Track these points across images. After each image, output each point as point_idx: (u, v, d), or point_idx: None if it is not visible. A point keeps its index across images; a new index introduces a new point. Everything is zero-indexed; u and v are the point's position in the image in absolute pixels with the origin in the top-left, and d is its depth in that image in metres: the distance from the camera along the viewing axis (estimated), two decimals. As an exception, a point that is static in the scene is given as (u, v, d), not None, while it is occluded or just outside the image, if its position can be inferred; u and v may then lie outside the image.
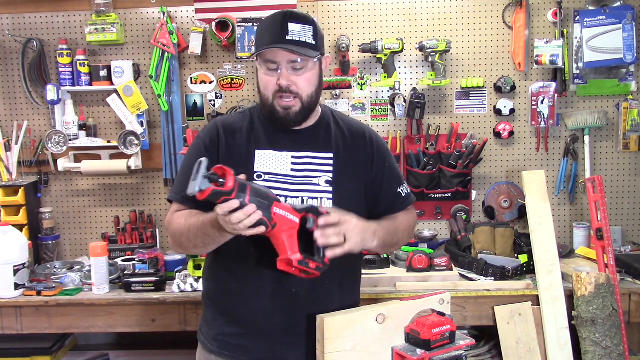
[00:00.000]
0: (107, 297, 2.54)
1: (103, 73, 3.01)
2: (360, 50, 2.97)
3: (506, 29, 3.04)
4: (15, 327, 2.57)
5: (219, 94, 3.11)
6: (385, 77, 2.99)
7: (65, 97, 3.04)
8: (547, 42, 2.91)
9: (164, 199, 3.12)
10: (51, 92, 2.96)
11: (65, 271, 2.75)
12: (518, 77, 3.06)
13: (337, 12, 3.05)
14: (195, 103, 3.12)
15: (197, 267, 2.57)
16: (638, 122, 2.95)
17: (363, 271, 2.56)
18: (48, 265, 2.89)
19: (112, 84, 3.01)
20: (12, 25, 3.08)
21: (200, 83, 3.10)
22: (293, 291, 1.61)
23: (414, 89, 3.03)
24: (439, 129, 3.06)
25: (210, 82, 3.10)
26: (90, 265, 2.62)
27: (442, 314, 1.57)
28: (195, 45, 2.99)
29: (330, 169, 1.66)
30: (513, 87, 3.03)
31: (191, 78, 3.10)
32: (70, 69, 3.01)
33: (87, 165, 3.01)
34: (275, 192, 1.58)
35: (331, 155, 1.68)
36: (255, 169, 1.64)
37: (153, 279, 2.57)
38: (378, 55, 2.96)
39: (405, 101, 2.99)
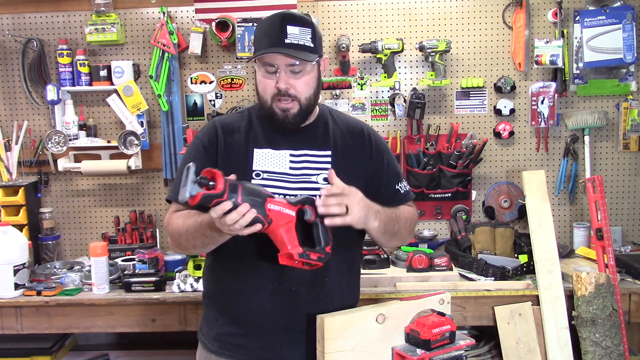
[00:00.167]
0: (107, 297, 2.54)
1: (103, 73, 3.01)
2: (360, 50, 2.97)
3: (506, 29, 3.04)
4: (15, 327, 2.57)
5: (219, 94, 3.11)
6: (385, 77, 2.99)
7: (65, 97, 3.04)
8: (547, 42, 2.91)
9: (164, 199, 3.11)
10: (51, 92, 2.96)
11: (65, 271, 2.75)
12: (518, 77, 3.06)
13: (337, 12, 3.05)
14: (195, 103, 3.12)
15: (197, 267, 2.58)
16: (638, 122, 2.95)
17: (363, 271, 2.59)
18: (48, 265, 2.89)
19: (112, 84, 3.01)
20: (12, 25, 3.08)
21: (200, 83, 3.10)
22: (293, 289, 1.62)
23: (414, 89, 3.03)
24: (439, 129, 3.06)
25: (210, 82, 3.10)
26: (90, 265, 2.62)
27: (442, 314, 1.57)
28: (195, 45, 2.99)
29: (329, 166, 1.66)
30: (513, 87, 3.03)
31: (191, 78, 3.10)
32: (70, 69, 3.01)
33: (87, 165, 3.01)
34: (273, 190, 1.59)
35: (329, 153, 1.69)
36: (254, 168, 1.65)
37: (153, 279, 2.57)
38: (378, 55, 2.96)
39: (405, 101, 2.99)
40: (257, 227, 1.39)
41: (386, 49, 2.93)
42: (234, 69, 3.09)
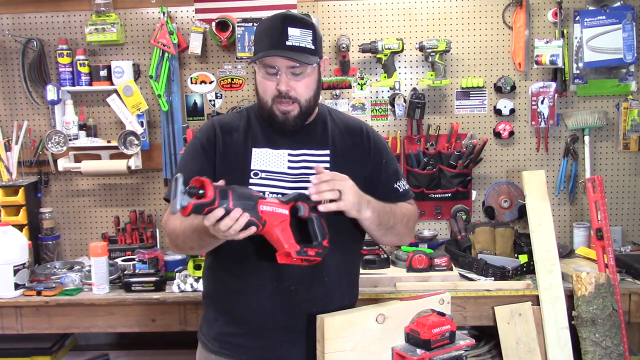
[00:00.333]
0: (107, 297, 2.54)
1: (103, 73, 3.01)
2: (360, 50, 2.97)
3: (506, 29, 3.04)
4: (15, 327, 2.57)
5: (219, 94, 3.11)
6: (385, 77, 2.99)
7: (65, 97, 3.04)
8: (547, 42, 2.91)
9: (163, 199, 3.11)
10: (51, 92, 2.96)
11: (65, 271, 2.75)
12: (518, 77, 3.06)
13: (337, 12, 3.05)
14: (195, 103, 3.12)
15: (197, 267, 2.58)
16: (638, 122, 2.95)
17: (363, 271, 2.60)
18: (48, 265, 2.89)
19: (112, 84, 3.01)
20: (12, 25, 3.08)
21: (200, 83, 3.10)
22: (292, 289, 1.62)
23: (414, 89, 3.03)
24: (439, 129, 3.06)
25: (210, 82, 3.10)
26: (90, 265, 2.62)
27: (442, 314, 1.57)
28: (195, 45, 2.99)
29: (327, 165, 1.66)
30: (513, 87, 3.03)
31: (191, 78, 3.10)
32: (70, 69, 3.01)
33: (87, 165, 3.01)
34: (272, 189, 1.60)
35: (327, 152, 1.69)
36: (252, 167, 1.65)
37: (153, 279, 2.57)
38: (378, 55, 2.96)
39: (405, 101, 2.99)
40: (252, 230, 1.38)
41: (386, 49, 2.93)
42: (234, 69, 3.09)
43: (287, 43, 1.55)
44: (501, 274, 2.57)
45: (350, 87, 3.07)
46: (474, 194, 3.10)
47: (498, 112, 3.05)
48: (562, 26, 2.96)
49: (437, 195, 3.05)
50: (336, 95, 3.07)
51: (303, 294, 1.62)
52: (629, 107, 2.96)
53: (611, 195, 3.07)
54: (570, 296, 2.47)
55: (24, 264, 2.59)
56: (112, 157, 3.07)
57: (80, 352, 3.12)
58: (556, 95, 2.99)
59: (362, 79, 3.07)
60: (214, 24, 2.92)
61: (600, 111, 3.00)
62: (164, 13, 2.97)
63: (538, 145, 3.07)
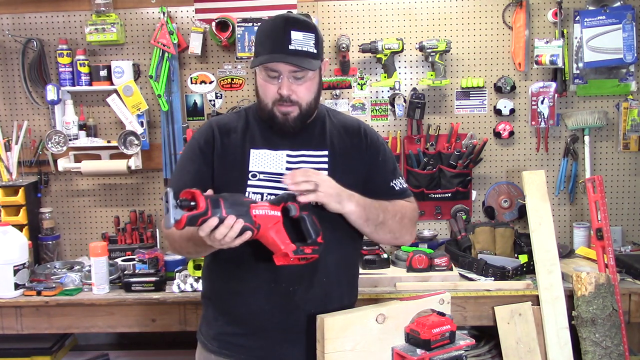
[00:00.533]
0: (107, 297, 2.54)
1: (103, 73, 3.01)
2: (360, 50, 2.97)
3: (506, 29, 3.04)
4: (15, 327, 2.57)
5: (219, 94, 3.11)
6: (385, 77, 2.99)
7: (65, 97, 3.04)
8: (547, 42, 2.91)
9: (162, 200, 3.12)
10: (51, 92, 2.96)
11: (65, 271, 2.75)
12: (518, 77, 3.06)
13: (337, 12, 3.05)
14: (195, 103, 3.12)
15: (197, 267, 2.58)
16: (638, 122, 2.95)
17: (363, 271, 2.60)
18: (48, 265, 2.89)
19: (112, 84, 3.01)
20: (12, 25, 3.08)
21: (200, 83, 3.10)
22: (290, 290, 1.61)
23: (414, 89, 3.03)
24: (439, 129, 3.06)
25: (210, 82, 3.10)
26: (90, 265, 2.61)
27: (442, 314, 1.57)
28: (195, 45, 2.99)
29: (325, 166, 1.66)
30: (513, 87, 3.03)
31: (191, 78, 3.10)
32: (70, 69, 3.01)
33: (87, 165, 3.01)
34: (270, 191, 1.60)
35: (326, 152, 1.68)
36: (250, 169, 1.65)
37: (153, 279, 2.57)
38: (378, 55, 2.96)
39: (405, 101, 2.99)
40: (247, 235, 1.39)
41: (386, 49, 2.93)
42: (234, 69, 3.09)
43: (290, 47, 1.55)
44: (501, 274, 2.57)
45: (350, 87, 3.07)
46: (474, 194, 3.10)
47: (498, 112, 3.05)
48: (562, 26, 2.96)
49: (437, 195, 3.05)
50: (336, 95, 3.07)
51: (302, 294, 1.62)
52: (629, 107, 2.96)
53: (611, 195, 3.07)
54: (570, 296, 2.47)
55: (24, 264, 2.59)
56: (112, 157, 3.07)
57: (80, 352, 3.12)
58: (556, 95, 2.99)
59: (362, 79, 3.07)
60: (214, 24, 2.92)
61: (600, 111, 3.00)
62: (164, 13, 2.97)
63: (538, 145, 3.07)
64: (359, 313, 1.52)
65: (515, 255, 2.78)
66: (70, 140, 2.99)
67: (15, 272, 2.54)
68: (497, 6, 3.02)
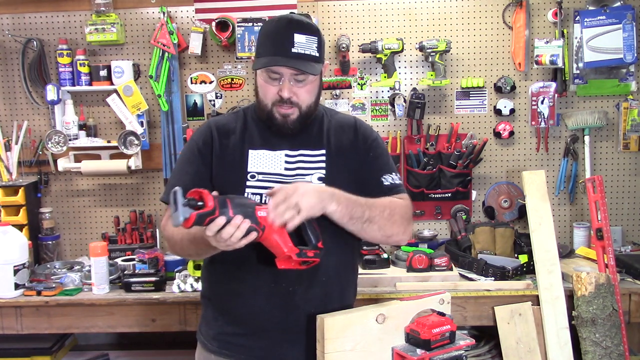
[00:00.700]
0: (107, 297, 2.54)
1: (103, 73, 3.01)
2: (360, 50, 2.97)
3: (506, 29, 3.04)
4: (15, 327, 2.57)
5: (219, 94, 3.11)
6: (385, 77, 2.99)
7: (65, 97, 3.04)
8: (547, 42, 2.91)
9: (160, 201, 3.11)
10: (51, 92, 2.96)
11: (65, 271, 2.75)
12: (518, 77, 3.06)
13: (337, 12, 3.05)
14: (195, 103, 3.12)
15: (197, 267, 2.58)
16: (638, 122, 2.95)
17: (363, 271, 2.60)
18: (48, 265, 2.89)
19: (112, 84, 3.01)
20: (12, 25, 3.08)
21: (200, 83, 3.10)
22: (290, 290, 1.62)
23: (414, 89, 3.03)
24: (439, 129, 3.06)
25: (210, 82, 3.10)
26: (90, 265, 2.62)
27: (442, 314, 1.57)
28: (195, 45, 2.99)
29: (323, 165, 1.66)
30: (513, 87, 3.03)
31: (191, 78, 3.10)
32: (70, 69, 3.01)
33: (87, 165, 3.01)
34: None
35: (323, 151, 1.68)
36: (249, 169, 1.65)
37: (153, 279, 2.57)
38: (378, 55, 2.96)
39: (405, 101, 2.99)
40: (253, 235, 1.39)
41: (386, 49, 2.93)
42: (234, 69, 3.09)
43: (293, 50, 1.54)
44: (501, 274, 2.57)
45: (350, 87, 3.07)
46: (474, 194, 3.10)
47: (498, 112, 3.05)
48: (562, 26, 2.96)
49: (437, 195, 3.05)
50: (336, 95, 3.07)
51: (301, 294, 1.62)
52: (629, 107, 2.96)
53: (611, 195, 3.07)
54: (570, 296, 2.47)
55: (24, 264, 2.59)
56: (112, 157, 3.07)
57: (80, 352, 3.12)
58: (556, 95, 2.99)
59: (362, 79, 3.07)
60: (214, 24, 2.92)
61: (600, 111, 3.00)
62: (164, 13, 2.97)
63: (538, 145, 3.07)
64: (359, 313, 1.52)
65: (515, 255, 2.78)
66: (70, 140, 2.99)
67: (15, 272, 2.55)
68: (497, 6, 3.02)
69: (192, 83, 3.10)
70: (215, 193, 1.38)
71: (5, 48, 3.10)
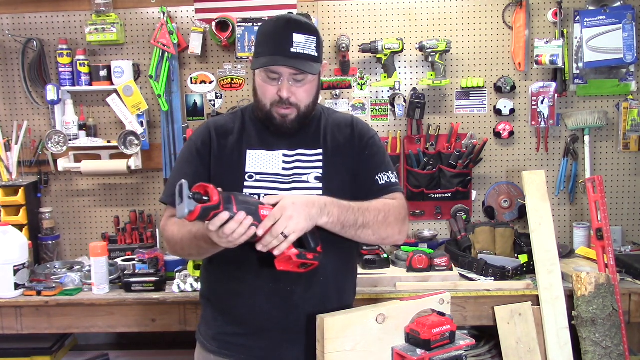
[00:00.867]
0: (107, 297, 2.54)
1: (103, 73, 3.01)
2: (360, 50, 2.97)
3: (506, 29, 3.04)
4: (15, 327, 2.57)
5: (219, 94, 3.11)
6: (385, 77, 2.99)
7: (65, 97, 3.04)
8: (547, 42, 2.91)
9: (160, 202, 3.11)
10: (51, 92, 2.96)
11: (65, 271, 2.75)
12: (518, 77, 3.06)
13: (337, 12, 3.05)
14: (195, 103, 3.12)
15: (197, 267, 2.58)
16: (638, 122, 2.95)
17: (363, 271, 2.60)
18: (48, 265, 2.89)
19: (112, 84, 3.01)
20: (12, 25, 3.08)
21: (200, 83, 3.10)
22: (289, 290, 1.62)
23: (414, 89, 3.03)
24: (439, 129, 3.06)
25: (210, 82, 3.10)
26: (90, 265, 2.62)
27: (442, 314, 1.57)
28: (195, 45, 2.99)
29: (320, 164, 1.66)
30: (513, 87, 3.03)
31: (191, 78, 3.10)
32: (70, 69, 3.01)
33: (87, 165, 3.01)
34: (267, 192, 1.60)
35: (320, 151, 1.68)
36: (247, 170, 1.65)
37: (153, 279, 2.57)
38: (378, 55, 2.96)
39: (405, 101, 2.99)
40: (252, 230, 1.38)
41: (386, 49, 2.93)
42: (234, 69, 3.09)
43: (292, 50, 1.54)
44: (501, 274, 2.57)
45: (350, 87, 3.07)
46: (474, 194, 3.10)
47: (498, 112, 3.05)
48: (562, 26, 2.96)
49: (437, 195, 3.05)
50: (336, 95, 3.07)
51: (300, 294, 1.62)
52: (629, 107, 2.97)
53: (611, 195, 3.07)
54: (570, 296, 2.47)
55: (24, 264, 2.59)
56: (112, 157, 3.07)
57: (80, 352, 3.12)
58: (556, 95, 2.99)
59: (362, 79, 3.07)
60: (214, 24, 2.92)
61: (600, 111, 3.00)
62: (164, 13, 2.97)
63: (538, 145, 3.07)
64: (359, 313, 1.52)
65: (515, 255, 2.78)
66: (70, 140, 2.99)
67: (15, 272, 2.55)
68: (497, 6, 3.02)
69: (192, 83, 3.10)
70: (220, 189, 1.38)
71: (5, 48, 3.10)
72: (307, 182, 1.64)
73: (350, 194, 1.66)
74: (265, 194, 1.60)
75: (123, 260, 2.77)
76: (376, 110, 3.09)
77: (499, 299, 2.50)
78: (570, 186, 3.07)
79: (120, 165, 2.99)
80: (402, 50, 2.95)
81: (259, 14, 2.93)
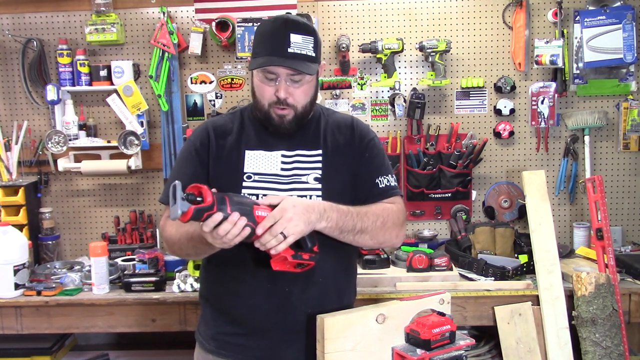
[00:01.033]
0: (107, 297, 2.54)
1: (103, 73, 3.01)
2: (360, 50, 2.97)
3: (506, 29, 3.04)
4: (15, 327, 2.57)
5: (219, 94, 3.11)
6: (385, 77, 2.99)
7: (65, 97, 3.04)
8: (547, 42, 2.91)
9: (159, 202, 3.11)
10: (51, 92, 2.96)
11: (65, 271, 2.75)
12: (518, 77, 3.06)
13: (337, 12, 3.05)
14: (195, 103, 3.12)
15: (197, 267, 2.58)
16: (638, 122, 2.95)
17: (363, 271, 2.60)
18: (48, 265, 2.89)
19: (112, 84, 3.01)
20: (12, 25, 3.08)
21: (200, 83, 3.10)
22: (287, 290, 1.62)
23: (414, 89, 3.03)
24: (439, 129, 3.06)
25: (210, 82, 3.10)
26: (90, 265, 2.62)
27: (442, 314, 1.57)
28: (195, 45, 2.99)
29: (319, 165, 1.66)
30: (513, 87, 3.03)
31: (191, 78, 3.10)
32: (70, 69, 3.01)
33: (87, 165, 3.01)
34: (265, 192, 1.60)
35: (320, 152, 1.68)
36: (245, 170, 1.65)
37: (153, 279, 2.57)
38: (378, 55, 2.96)
39: (405, 101, 2.99)
40: (247, 231, 1.38)
41: (386, 49, 2.93)
42: (234, 69, 3.09)
43: (289, 50, 1.54)
44: (501, 274, 2.57)
45: (350, 87, 3.07)
46: (474, 194, 3.10)
47: (498, 112, 3.05)
48: (562, 26, 2.96)
49: (437, 195, 3.05)
50: (336, 95, 3.07)
51: (298, 294, 1.62)
52: (629, 107, 2.97)
53: (611, 195, 3.07)
54: (570, 296, 2.47)
55: (24, 264, 2.59)
56: (112, 157, 3.07)
57: (80, 352, 3.12)
58: (556, 95, 2.99)
59: (362, 79, 3.07)
60: (214, 24, 2.92)
61: (600, 111, 3.00)
62: (164, 13, 2.97)
63: (538, 145, 3.07)
64: (359, 313, 1.52)
65: (515, 255, 2.78)
66: (70, 140, 2.99)
67: (15, 272, 2.55)
68: (497, 6, 3.02)
69: (192, 83, 3.10)
70: (214, 190, 1.38)
71: (5, 48, 3.10)
72: (307, 182, 1.64)
73: (350, 195, 1.66)
74: (264, 195, 1.60)
75: (123, 260, 2.77)
76: (376, 110, 3.09)
77: (499, 299, 2.50)
78: (570, 186, 3.07)
79: (120, 165, 2.99)
80: (402, 50, 2.95)
81: (259, 14, 2.94)
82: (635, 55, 2.85)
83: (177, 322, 2.56)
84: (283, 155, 1.67)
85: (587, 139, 2.99)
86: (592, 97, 3.04)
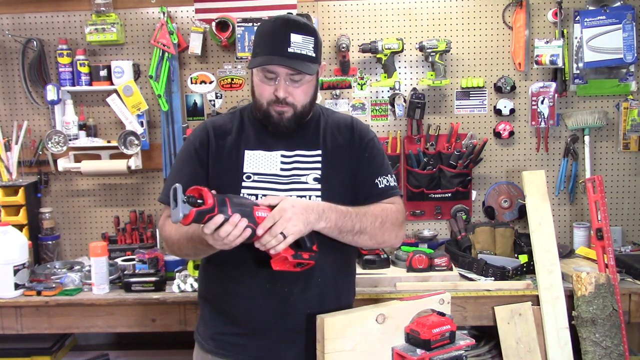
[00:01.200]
0: (107, 297, 2.54)
1: (103, 73, 3.01)
2: (360, 50, 2.97)
3: (506, 29, 3.04)
4: (15, 327, 2.57)
5: (219, 94, 3.11)
6: (385, 77, 2.99)
7: (65, 97, 3.04)
8: (547, 42, 2.91)
9: (158, 201, 3.11)
10: (51, 92, 2.96)
11: (65, 271, 2.75)
12: (518, 77, 3.06)
13: (337, 12, 3.05)
14: (195, 103, 3.12)
15: (197, 267, 2.58)
16: (638, 122, 2.95)
17: (363, 271, 2.60)
18: (48, 265, 2.89)
19: (112, 84, 3.01)
20: (12, 25, 3.08)
21: (200, 83, 3.10)
22: (286, 290, 1.62)
23: (414, 89, 3.03)
24: (439, 129, 3.06)
25: (210, 82, 3.10)
26: (90, 265, 2.61)
27: (442, 314, 1.57)
28: (195, 45, 2.99)
29: (319, 165, 1.66)
30: (513, 87, 3.03)
31: (191, 78, 3.10)
32: (70, 69, 3.01)
33: (87, 165, 3.01)
34: (265, 192, 1.60)
35: (319, 152, 1.68)
36: (244, 170, 1.65)
37: (153, 279, 2.57)
38: (378, 55, 2.96)
39: (405, 101, 2.99)
40: (248, 232, 1.39)
41: (386, 49, 2.93)
42: (234, 69, 3.09)
43: (289, 50, 1.55)
44: (501, 274, 2.57)
45: (350, 87, 3.07)
46: (474, 194, 3.10)
47: (498, 112, 3.05)
48: (562, 26, 2.96)
49: (437, 195, 3.05)
50: (336, 95, 3.07)
51: (297, 294, 1.62)
52: (629, 107, 2.97)
53: (611, 195, 3.07)
54: (570, 296, 2.47)
55: (24, 264, 2.59)
56: (112, 157, 3.07)
57: (80, 352, 3.12)
58: (556, 95, 2.99)
59: (362, 79, 3.07)
60: (214, 24, 2.92)
61: (600, 111, 3.00)
62: (164, 13, 2.97)
63: (538, 145, 3.07)
64: (359, 313, 1.52)
65: (515, 255, 2.78)
66: (70, 140, 2.99)
67: (15, 272, 2.55)
68: (497, 6, 3.02)
69: (192, 83, 3.10)
70: (214, 192, 1.38)
71: (5, 48, 3.10)
72: (306, 182, 1.64)
73: (349, 195, 1.66)
74: (263, 195, 1.60)
75: (123, 260, 2.77)
76: (376, 110, 3.09)
77: (499, 299, 2.50)
78: (570, 186, 3.07)
79: (120, 165, 2.99)
80: (402, 50, 2.95)
81: (259, 14, 2.94)
82: (635, 55, 2.85)
83: (177, 322, 2.56)
84: (282, 156, 1.67)
85: (587, 139, 2.99)
86: (592, 97, 3.04)
